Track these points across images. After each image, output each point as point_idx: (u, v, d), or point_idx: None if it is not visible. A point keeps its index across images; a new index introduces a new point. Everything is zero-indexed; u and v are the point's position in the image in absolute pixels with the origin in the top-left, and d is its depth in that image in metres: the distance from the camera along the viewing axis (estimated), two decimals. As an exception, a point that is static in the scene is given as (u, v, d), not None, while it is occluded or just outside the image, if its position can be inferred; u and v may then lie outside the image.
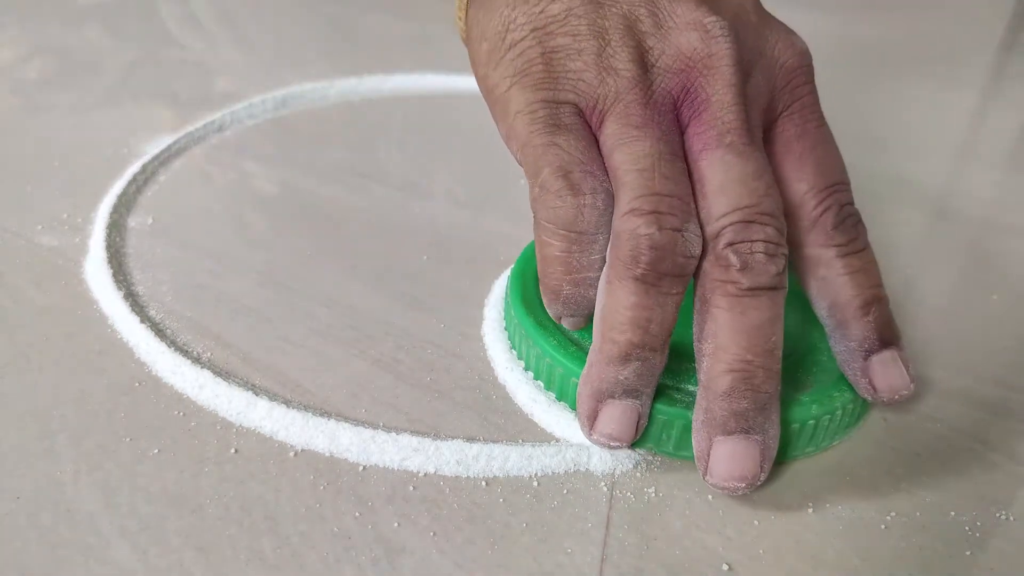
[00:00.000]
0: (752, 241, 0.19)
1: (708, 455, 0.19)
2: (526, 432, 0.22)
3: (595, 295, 0.21)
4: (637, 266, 0.19)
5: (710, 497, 0.20)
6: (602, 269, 0.21)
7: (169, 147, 0.37)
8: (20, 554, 0.17)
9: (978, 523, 0.20)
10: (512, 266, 0.25)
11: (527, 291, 0.24)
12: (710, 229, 0.20)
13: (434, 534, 0.19)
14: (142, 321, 0.25)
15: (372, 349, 0.25)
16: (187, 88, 0.44)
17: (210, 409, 0.22)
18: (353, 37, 0.57)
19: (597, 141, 0.21)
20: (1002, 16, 0.72)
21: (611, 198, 0.21)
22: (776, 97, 0.22)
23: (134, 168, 0.34)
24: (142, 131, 0.38)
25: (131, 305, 0.26)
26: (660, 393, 0.21)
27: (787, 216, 0.21)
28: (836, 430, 0.21)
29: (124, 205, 0.32)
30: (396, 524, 0.19)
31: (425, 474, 0.20)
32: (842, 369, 0.22)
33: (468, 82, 0.48)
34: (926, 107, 0.50)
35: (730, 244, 0.19)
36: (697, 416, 0.20)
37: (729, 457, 0.19)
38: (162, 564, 0.17)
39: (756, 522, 0.20)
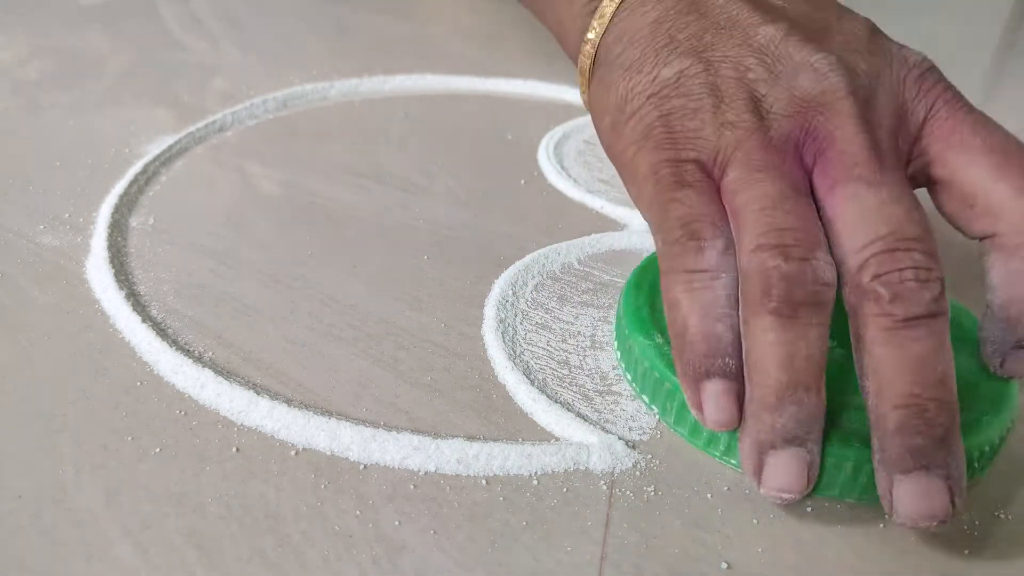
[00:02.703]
0: (900, 270, 0.19)
1: (891, 494, 0.18)
2: (526, 431, 0.22)
3: (724, 331, 0.20)
4: (770, 300, 0.19)
5: (709, 496, 0.20)
6: (728, 309, 0.20)
7: (170, 147, 0.37)
8: (22, 553, 0.18)
9: (977, 522, 0.20)
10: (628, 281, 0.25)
11: (640, 304, 0.24)
12: (852, 263, 0.19)
13: (434, 532, 0.19)
14: (144, 321, 0.25)
15: (373, 348, 0.25)
16: (188, 88, 0.44)
17: (211, 408, 0.22)
18: (354, 37, 0.57)
19: (720, 194, 0.22)
20: (1002, 16, 0.73)
21: (732, 243, 0.21)
22: (911, 109, 0.22)
23: (136, 168, 0.34)
24: (143, 131, 0.39)
25: (133, 305, 0.26)
26: (835, 435, 0.20)
27: (967, 202, 0.21)
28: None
29: (126, 205, 0.32)
30: (397, 522, 0.19)
31: (425, 473, 0.20)
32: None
33: (468, 82, 0.48)
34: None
35: (876, 276, 0.19)
36: (874, 456, 0.19)
37: (912, 496, 0.18)
38: (163, 563, 0.18)
39: (755, 521, 0.20)
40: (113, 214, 0.31)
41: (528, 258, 0.30)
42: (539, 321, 0.27)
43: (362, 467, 0.20)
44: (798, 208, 0.20)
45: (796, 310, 0.19)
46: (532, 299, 0.28)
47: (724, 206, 0.21)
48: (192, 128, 0.39)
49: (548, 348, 0.25)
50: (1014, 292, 0.21)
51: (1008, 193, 0.21)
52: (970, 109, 0.22)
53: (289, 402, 0.22)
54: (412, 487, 0.20)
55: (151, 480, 0.20)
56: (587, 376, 0.24)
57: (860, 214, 0.19)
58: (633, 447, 0.21)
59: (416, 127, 0.42)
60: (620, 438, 0.22)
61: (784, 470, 0.19)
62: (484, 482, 0.20)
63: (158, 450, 0.20)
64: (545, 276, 0.29)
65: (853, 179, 0.20)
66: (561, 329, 0.26)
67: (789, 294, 0.19)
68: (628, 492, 0.20)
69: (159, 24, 0.57)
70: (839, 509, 0.20)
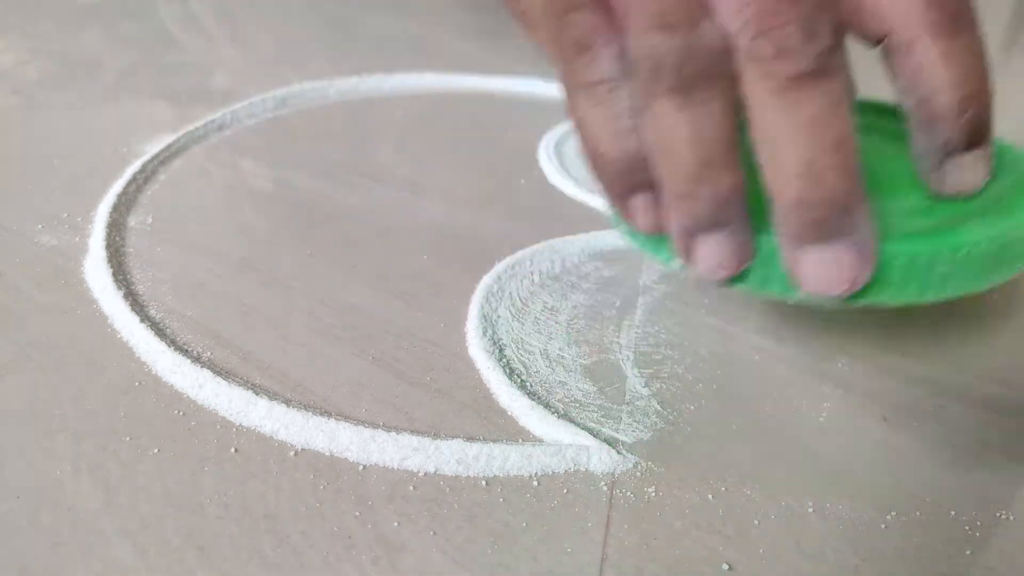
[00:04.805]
0: (783, 24, 0.16)
1: (796, 268, 0.18)
2: (526, 432, 0.22)
3: (635, 145, 0.19)
4: (662, 78, 0.17)
5: (710, 496, 0.20)
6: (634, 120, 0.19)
7: (169, 146, 0.37)
8: (20, 553, 0.17)
9: (978, 522, 0.20)
10: None
11: None
12: (734, 26, 0.17)
13: (434, 533, 0.19)
14: (142, 320, 0.25)
15: (372, 348, 0.25)
16: (187, 87, 0.44)
17: (210, 408, 0.22)
18: (353, 37, 0.57)
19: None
20: (1001, 16, 0.73)
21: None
22: None
23: (134, 167, 0.34)
24: (142, 130, 0.38)
25: (131, 304, 0.26)
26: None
27: (856, 5, 0.20)
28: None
29: (124, 204, 0.32)
30: (396, 523, 0.19)
31: (425, 473, 0.20)
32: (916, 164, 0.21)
33: (468, 82, 0.48)
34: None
35: (758, 33, 0.17)
36: (778, 232, 0.18)
37: (817, 266, 0.18)
38: (162, 563, 0.17)
39: (756, 522, 0.20)
40: (111, 213, 0.31)
41: (521, 253, 0.29)
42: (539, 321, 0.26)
43: (361, 468, 0.20)
44: None
45: (693, 84, 0.17)
46: (532, 298, 0.28)
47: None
48: (190, 127, 0.39)
49: (548, 347, 0.25)
50: (920, 92, 0.20)
51: None
52: None
53: (288, 402, 0.22)
54: (412, 488, 0.20)
55: (150, 480, 0.19)
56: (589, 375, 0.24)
57: None
58: (634, 448, 0.21)
59: (415, 126, 0.42)
60: (620, 439, 0.22)
61: (711, 253, 0.19)
62: (484, 483, 0.20)
63: (156, 450, 0.20)
64: (545, 276, 0.29)
65: None
66: (562, 327, 0.26)
67: (682, 67, 0.17)
68: (629, 493, 0.20)
69: (157, 23, 0.57)
70: (839, 509, 0.20)
